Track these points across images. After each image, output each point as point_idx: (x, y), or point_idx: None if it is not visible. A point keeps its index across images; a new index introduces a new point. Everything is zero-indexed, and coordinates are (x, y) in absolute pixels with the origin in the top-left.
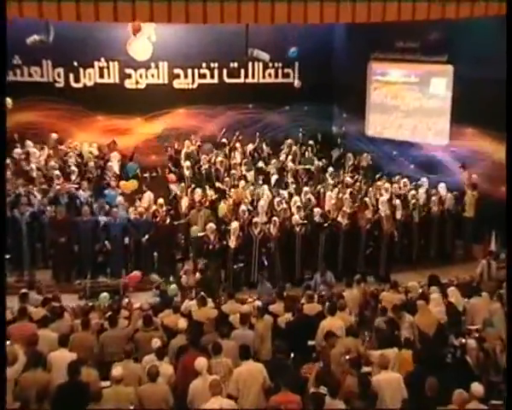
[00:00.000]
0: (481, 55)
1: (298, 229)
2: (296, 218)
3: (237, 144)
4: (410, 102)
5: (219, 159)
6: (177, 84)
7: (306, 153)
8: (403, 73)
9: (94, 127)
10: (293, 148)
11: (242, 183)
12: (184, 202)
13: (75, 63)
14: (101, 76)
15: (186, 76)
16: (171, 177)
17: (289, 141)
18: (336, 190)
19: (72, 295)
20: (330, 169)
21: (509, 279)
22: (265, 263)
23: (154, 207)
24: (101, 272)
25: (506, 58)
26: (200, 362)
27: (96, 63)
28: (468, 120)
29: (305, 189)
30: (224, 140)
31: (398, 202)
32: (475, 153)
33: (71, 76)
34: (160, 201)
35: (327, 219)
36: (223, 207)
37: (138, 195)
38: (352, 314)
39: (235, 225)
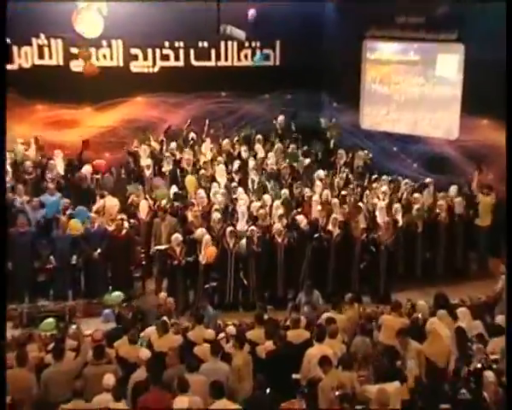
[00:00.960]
0: (497, 34)
1: (280, 240)
2: (278, 227)
3: (207, 139)
4: (412, 89)
5: (186, 157)
6: (134, 67)
7: (290, 148)
8: (402, 51)
9: (32, 119)
10: (278, 145)
11: (215, 186)
12: (143, 209)
13: (8, 40)
14: (41, 56)
15: (145, 58)
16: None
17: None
18: (326, 193)
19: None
20: (318, 169)
21: (509, 279)
22: (244, 281)
23: (113, 216)
24: (42, 294)
25: (506, 58)
26: (178, 403)
27: (34, 41)
28: (481, 110)
29: (284, 191)
30: (192, 135)
31: (398, 207)
32: (491, 149)
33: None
34: (114, 206)
35: (316, 229)
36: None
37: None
38: (345, 341)
39: (205, 236)
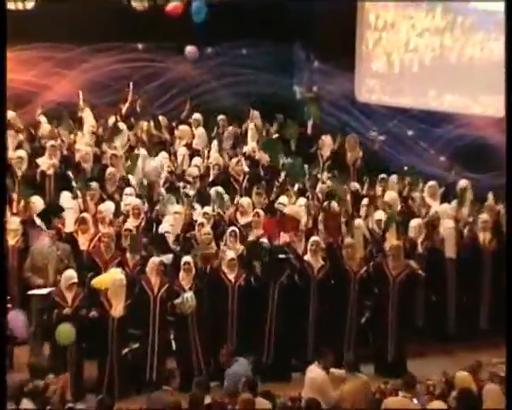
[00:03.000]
0: None
1: (232, 278)
2: (229, 257)
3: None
4: (434, 45)
5: (82, 148)
6: None
7: (250, 132)
8: None
9: None
10: (230, 128)
11: (128, 191)
12: (12, 226)
13: None
14: None
15: None
16: None
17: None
18: (302, 202)
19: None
20: (290, 163)
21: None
22: (173, 345)
23: None
24: None
25: (506, 58)
26: None
27: None
28: None
29: (238, 200)
30: (84, 110)
31: (417, 223)
32: None
33: None
34: None
35: (287, 259)
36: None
37: None
38: None
39: (117, 274)
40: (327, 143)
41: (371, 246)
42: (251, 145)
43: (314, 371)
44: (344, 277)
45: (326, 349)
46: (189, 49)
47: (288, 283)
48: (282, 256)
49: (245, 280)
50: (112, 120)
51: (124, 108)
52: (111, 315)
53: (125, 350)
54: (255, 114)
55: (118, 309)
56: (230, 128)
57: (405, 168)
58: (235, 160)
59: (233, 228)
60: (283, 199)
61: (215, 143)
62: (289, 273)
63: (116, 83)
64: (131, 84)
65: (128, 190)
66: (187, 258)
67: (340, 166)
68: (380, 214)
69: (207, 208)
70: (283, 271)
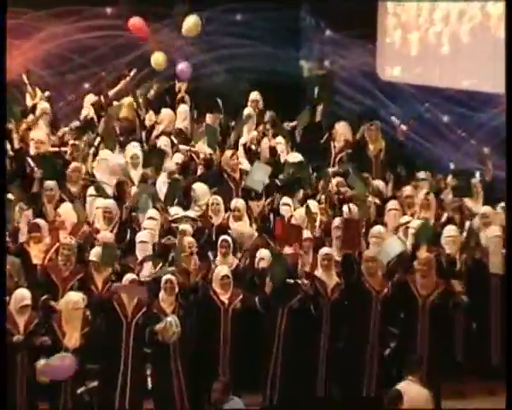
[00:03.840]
0: None
1: (226, 300)
2: (222, 271)
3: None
4: (474, 14)
5: (36, 136)
6: None
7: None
8: None
9: None
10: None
11: (92, 191)
12: None
13: None
14: None
15: None
16: None
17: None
18: (314, 204)
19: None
20: (296, 157)
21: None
22: (149, 383)
23: None
24: None
25: (506, 58)
26: None
27: None
28: None
29: (236, 201)
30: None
31: (451, 231)
32: None
33: None
34: None
35: (293, 276)
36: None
37: None
38: None
39: (72, 295)
40: (341, 133)
41: (397, 260)
42: (250, 135)
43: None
44: (363, 297)
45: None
46: (182, 67)
47: (299, 307)
48: (290, 281)
49: (242, 302)
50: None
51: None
52: (64, 345)
53: (81, 389)
54: (254, 95)
55: (73, 339)
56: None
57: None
58: (229, 152)
59: (225, 237)
60: (287, 201)
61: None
62: (301, 297)
63: (79, 56)
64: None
65: (92, 190)
66: (168, 276)
67: (358, 161)
68: (408, 220)
69: (190, 212)
70: (294, 295)
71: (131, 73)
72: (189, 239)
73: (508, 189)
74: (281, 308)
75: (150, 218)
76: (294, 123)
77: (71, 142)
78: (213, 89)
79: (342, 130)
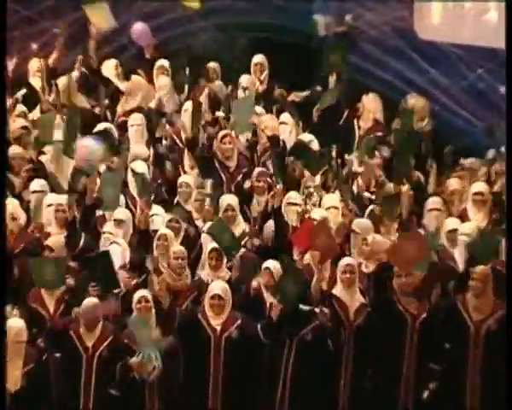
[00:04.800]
0: None
1: (215, 323)
2: (213, 290)
3: None
4: None
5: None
6: None
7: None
8: None
9: None
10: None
11: (40, 185)
12: None
13: None
14: None
15: None
16: None
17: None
18: (330, 201)
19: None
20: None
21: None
22: None
23: None
24: None
25: (506, 58)
26: None
27: None
28: None
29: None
30: None
31: None
32: None
33: None
34: None
35: (305, 293)
36: None
37: None
38: None
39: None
40: (370, 109)
41: (440, 274)
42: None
43: None
44: (396, 323)
45: None
46: (136, 28)
47: (312, 339)
48: (304, 308)
49: (239, 329)
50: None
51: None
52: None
53: None
54: (258, 59)
55: (13, 378)
56: (217, 83)
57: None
58: (221, 133)
59: (214, 245)
60: (295, 196)
61: (188, 105)
62: (316, 326)
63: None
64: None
65: (40, 182)
66: (142, 292)
67: (391, 145)
68: (456, 224)
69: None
70: (306, 322)
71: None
72: (176, 249)
73: (508, 187)
74: (288, 339)
75: (116, 220)
76: (305, 93)
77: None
78: (201, 51)
79: (371, 105)
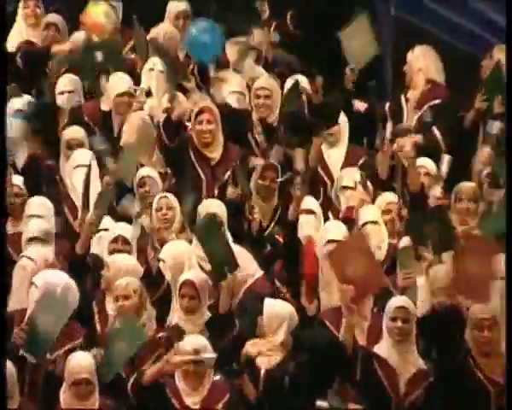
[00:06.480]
0: None
1: (191, 404)
2: (192, 345)
3: None
4: None
5: None
6: None
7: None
8: None
9: None
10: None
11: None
12: None
13: None
14: None
15: None
16: None
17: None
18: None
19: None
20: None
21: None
22: None
23: None
24: None
25: (506, 58)
26: None
27: None
28: None
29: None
30: None
31: None
32: None
33: None
34: None
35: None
36: None
37: None
38: None
39: None
40: (421, 67)
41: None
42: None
43: None
44: (474, 400)
45: None
46: None
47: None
48: (323, 405)
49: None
50: None
51: None
52: None
53: None
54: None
55: None
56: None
57: None
58: (196, 107)
59: (189, 276)
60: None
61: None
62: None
63: None
64: None
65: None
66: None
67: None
68: None
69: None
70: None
71: None
72: (127, 281)
73: (508, 187)
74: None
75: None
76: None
77: None
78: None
79: (422, 61)
